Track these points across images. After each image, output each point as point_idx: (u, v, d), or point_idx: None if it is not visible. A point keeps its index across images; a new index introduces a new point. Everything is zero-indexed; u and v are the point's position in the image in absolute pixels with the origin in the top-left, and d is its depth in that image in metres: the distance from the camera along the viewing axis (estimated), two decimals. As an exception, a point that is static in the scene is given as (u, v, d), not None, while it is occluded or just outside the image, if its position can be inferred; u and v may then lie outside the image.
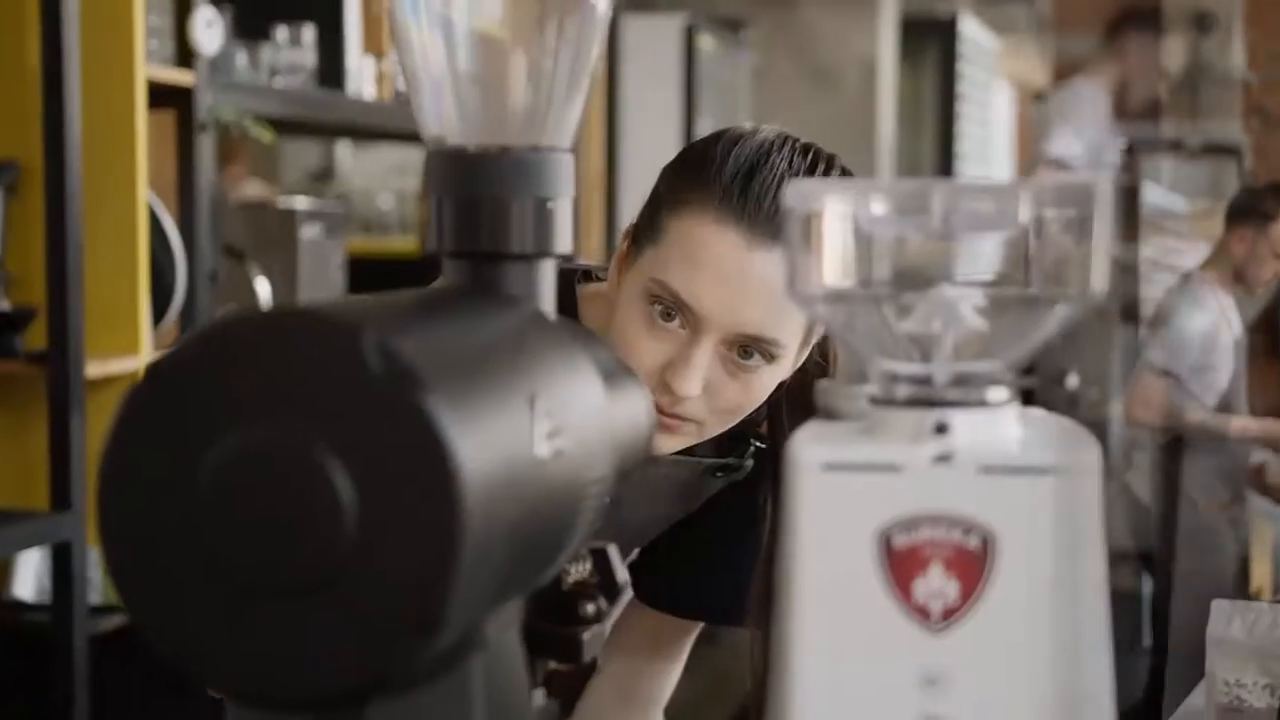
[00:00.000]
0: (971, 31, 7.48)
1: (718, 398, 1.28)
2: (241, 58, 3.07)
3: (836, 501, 0.67)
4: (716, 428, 1.32)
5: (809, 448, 0.68)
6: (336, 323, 0.60)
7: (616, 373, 0.83)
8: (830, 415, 0.74)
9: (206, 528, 0.60)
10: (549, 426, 0.68)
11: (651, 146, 4.53)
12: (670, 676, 1.59)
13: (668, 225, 1.27)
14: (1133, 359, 5.74)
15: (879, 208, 0.69)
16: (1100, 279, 0.67)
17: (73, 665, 2.45)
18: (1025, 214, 0.67)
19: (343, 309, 0.62)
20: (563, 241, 0.78)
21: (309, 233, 3.20)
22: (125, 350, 2.54)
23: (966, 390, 0.68)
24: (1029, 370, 4.24)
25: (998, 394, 0.69)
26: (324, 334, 0.60)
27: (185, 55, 2.78)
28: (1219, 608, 1.93)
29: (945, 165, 7.35)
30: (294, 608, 0.60)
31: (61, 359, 2.39)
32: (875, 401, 0.70)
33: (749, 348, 1.27)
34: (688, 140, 4.53)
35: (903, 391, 0.69)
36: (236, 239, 3.19)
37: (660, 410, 1.27)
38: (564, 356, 0.74)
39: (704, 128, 4.73)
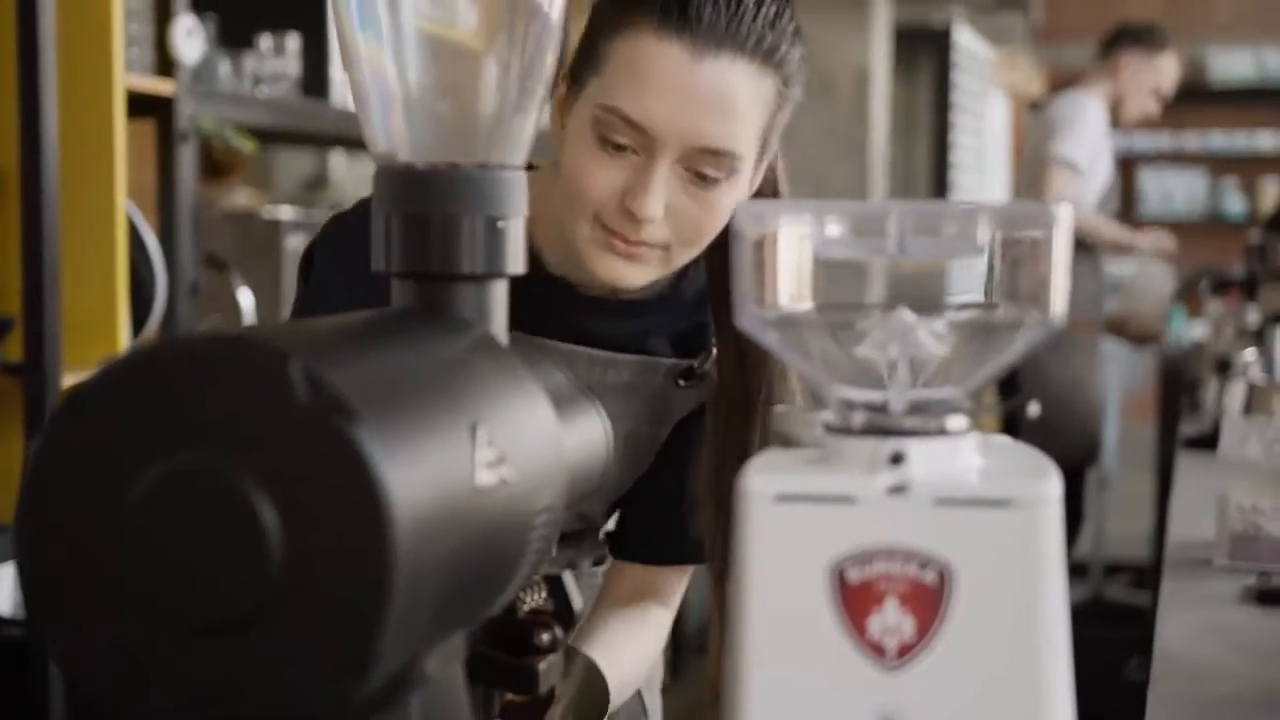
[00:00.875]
0: (966, 41, 7.46)
1: (680, 220, 1.27)
2: (225, 66, 3.04)
3: (788, 534, 0.65)
4: (682, 255, 1.30)
5: (760, 478, 0.65)
6: (264, 349, 0.58)
7: (571, 397, 0.81)
8: (786, 442, 0.72)
9: (129, 560, 0.58)
10: (492, 455, 0.65)
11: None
12: (667, 615, 1.52)
13: (608, 52, 1.26)
14: (1122, 369, 5.74)
15: (834, 230, 0.66)
16: (1060, 303, 0.64)
17: (49, 680, 2.42)
18: (983, 238, 0.65)
19: (273, 335, 0.59)
20: (515, 261, 0.76)
21: (294, 243, 3.17)
22: (103, 362, 2.51)
23: (924, 418, 0.66)
24: (1011, 390, 4.24)
25: (957, 422, 0.66)
26: (251, 361, 0.58)
27: (166, 64, 2.75)
28: (1232, 424, 1.78)
29: (940, 175, 7.33)
30: (218, 644, 0.58)
31: (38, 371, 2.36)
32: (830, 429, 0.67)
33: (705, 168, 1.25)
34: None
35: (858, 419, 0.67)
36: (222, 249, 3.16)
37: (624, 239, 1.26)
38: (512, 381, 0.71)
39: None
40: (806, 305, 0.69)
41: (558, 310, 1.39)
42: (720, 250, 1.31)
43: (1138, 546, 5.43)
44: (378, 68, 0.76)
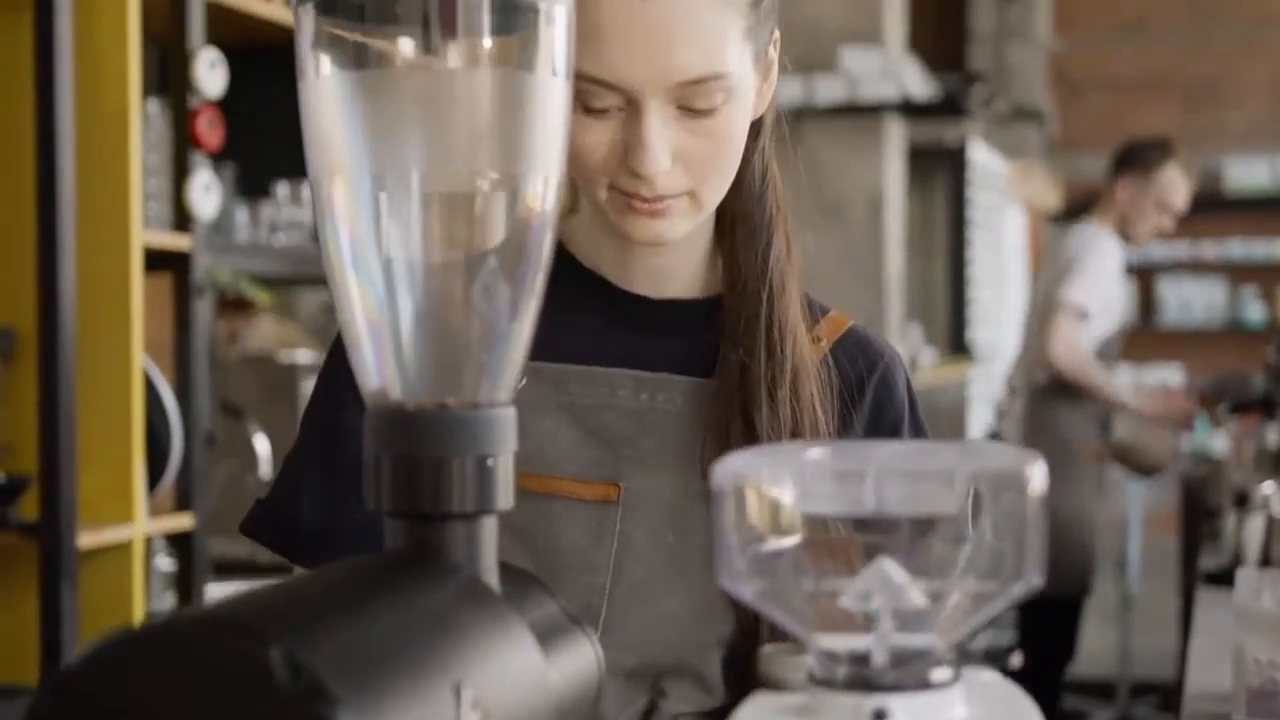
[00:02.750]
0: (981, 157, 7.51)
1: (693, 160, 1.19)
2: (242, 215, 3.08)
3: (772, 794, 0.65)
4: (711, 194, 1.23)
5: (743, 736, 0.65)
6: (242, 631, 0.58)
7: (560, 626, 0.80)
8: (775, 685, 0.72)
9: None
10: (475, 716, 0.65)
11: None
12: None
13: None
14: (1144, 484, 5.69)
15: (813, 485, 0.67)
16: (1037, 565, 0.65)
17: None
18: (960, 493, 0.66)
19: (252, 610, 0.60)
20: (504, 498, 0.76)
21: (311, 387, 3.18)
22: (120, 519, 2.52)
23: (908, 670, 0.66)
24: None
25: (941, 674, 0.66)
26: (228, 644, 0.58)
27: (184, 218, 2.78)
28: (1246, 576, 1.75)
29: (958, 292, 7.35)
30: None
31: (53, 530, 2.37)
32: (814, 680, 0.67)
33: (696, 102, 1.17)
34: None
35: (841, 673, 0.67)
36: (239, 393, 3.18)
37: (644, 199, 1.19)
38: (497, 628, 0.72)
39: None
40: (787, 552, 0.69)
41: (599, 318, 1.31)
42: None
43: (1165, 665, 5.37)
44: (369, 309, 0.76)
